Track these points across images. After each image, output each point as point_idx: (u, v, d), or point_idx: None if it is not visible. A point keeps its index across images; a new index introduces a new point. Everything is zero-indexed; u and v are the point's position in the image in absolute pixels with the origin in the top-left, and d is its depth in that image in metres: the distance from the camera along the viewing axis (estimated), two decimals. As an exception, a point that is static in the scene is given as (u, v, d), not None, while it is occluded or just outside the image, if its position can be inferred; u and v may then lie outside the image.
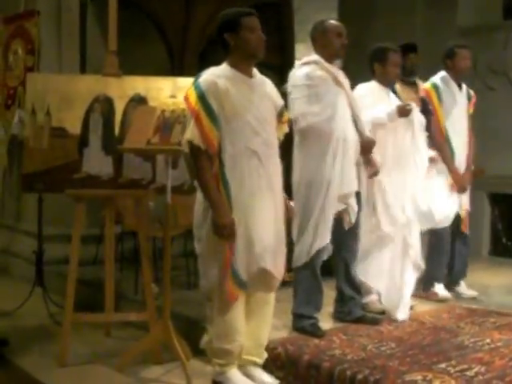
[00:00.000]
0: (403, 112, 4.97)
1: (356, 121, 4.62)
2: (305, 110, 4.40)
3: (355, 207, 4.60)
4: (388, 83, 5.18)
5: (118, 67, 4.94)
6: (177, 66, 9.17)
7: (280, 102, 4.04)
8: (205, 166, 3.72)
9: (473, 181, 5.86)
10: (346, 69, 4.88)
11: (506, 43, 8.76)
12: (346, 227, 4.60)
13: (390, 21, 8.99)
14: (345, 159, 4.51)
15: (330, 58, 4.61)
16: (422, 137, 5.15)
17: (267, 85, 3.98)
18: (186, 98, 3.79)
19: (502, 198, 8.27)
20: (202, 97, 3.71)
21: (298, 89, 4.51)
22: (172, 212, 4.51)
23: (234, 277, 3.75)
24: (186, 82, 4.90)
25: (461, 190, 5.67)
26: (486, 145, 7.73)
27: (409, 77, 5.75)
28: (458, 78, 5.69)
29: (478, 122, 7.19)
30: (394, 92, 5.81)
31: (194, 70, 7.25)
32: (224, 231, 3.69)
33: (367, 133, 4.69)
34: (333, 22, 4.67)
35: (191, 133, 3.70)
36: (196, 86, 3.76)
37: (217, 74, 3.79)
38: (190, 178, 4.07)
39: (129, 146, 4.44)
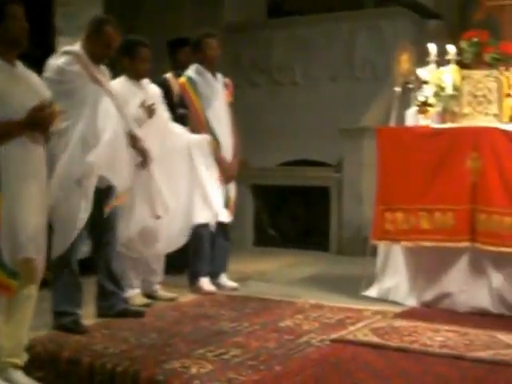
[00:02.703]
0: (149, 113, 5.03)
1: (121, 116, 4.60)
2: None
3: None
4: (138, 78, 5.17)
5: None
6: None
7: (47, 94, 3.93)
8: None
9: (239, 169, 5.94)
10: (112, 65, 4.84)
11: (270, 41, 9.12)
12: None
13: (157, 16, 9.03)
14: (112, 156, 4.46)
15: (96, 60, 4.53)
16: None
17: (33, 76, 3.89)
18: None
19: (263, 189, 8.59)
20: None
21: (50, 82, 4.32)
22: None
23: (2, 268, 3.60)
24: None
25: (229, 179, 5.75)
26: (249, 138, 7.98)
27: (182, 70, 5.79)
28: (211, 68, 5.70)
29: (242, 117, 7.39)
30: (167, 85, 5.86)
31: None
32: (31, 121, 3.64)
33: (133, 127, 4.70)
34: (107, 26, 4.55)
35: None
36: None
37: None
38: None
39: None
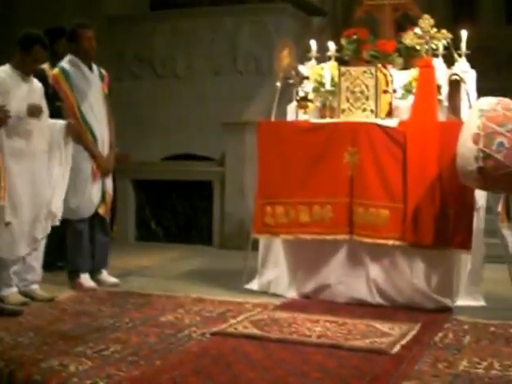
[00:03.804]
0: (34, 113, 4.90)
1: None
2: None
3: None
4: (25, 73, 4.99)
5: None
6: None
7: None
8: None
9: (116, 164, 5.87)
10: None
11: (153, 33, 9.05)
12: None
13: (37, 6, 8.80)
14: None
15: None
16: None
17: None
18: None
19: (146, 184, 8.49)
20: None
21: None
22: None
23: None
24: None
25: (106, 173, 5.65)
26: (132, 132, 7.93)
27: (59, 61, 5.64)
28: (86, 59, 5.59)
29: (124, 110, 7.31)
30: (44, 76, 5.70)
31: None
32: None
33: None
34: None
35: None
36: None
37: None
38: None
39: None
